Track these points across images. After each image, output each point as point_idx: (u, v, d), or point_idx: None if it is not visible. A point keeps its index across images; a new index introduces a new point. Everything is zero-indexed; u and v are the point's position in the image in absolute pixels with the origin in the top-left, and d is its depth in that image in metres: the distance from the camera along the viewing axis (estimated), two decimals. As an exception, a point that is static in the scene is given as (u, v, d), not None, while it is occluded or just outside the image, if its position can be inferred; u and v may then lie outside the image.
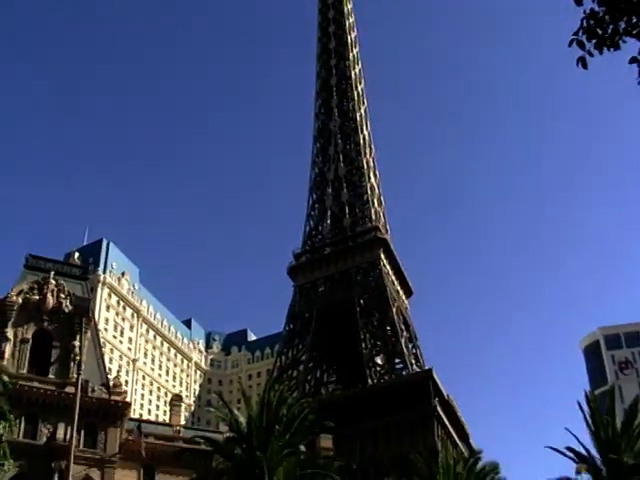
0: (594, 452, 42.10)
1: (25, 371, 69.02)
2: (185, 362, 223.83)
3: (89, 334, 74.28)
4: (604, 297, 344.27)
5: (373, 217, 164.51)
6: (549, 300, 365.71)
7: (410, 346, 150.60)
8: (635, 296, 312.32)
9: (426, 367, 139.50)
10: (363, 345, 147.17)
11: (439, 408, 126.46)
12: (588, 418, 40.94)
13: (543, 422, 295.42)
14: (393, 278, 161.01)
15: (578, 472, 41.71)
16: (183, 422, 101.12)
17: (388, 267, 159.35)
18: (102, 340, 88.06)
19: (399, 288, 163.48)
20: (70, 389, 65.58)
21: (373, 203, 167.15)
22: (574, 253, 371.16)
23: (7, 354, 67.82)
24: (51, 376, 69.76)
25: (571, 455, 41.65)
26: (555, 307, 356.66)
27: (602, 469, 41.59)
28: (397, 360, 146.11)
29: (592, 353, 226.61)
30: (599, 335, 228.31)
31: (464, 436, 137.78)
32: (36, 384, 68.33)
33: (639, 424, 42.96)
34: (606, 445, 40.20)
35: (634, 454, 39.15)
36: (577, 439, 42.00)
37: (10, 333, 70.00)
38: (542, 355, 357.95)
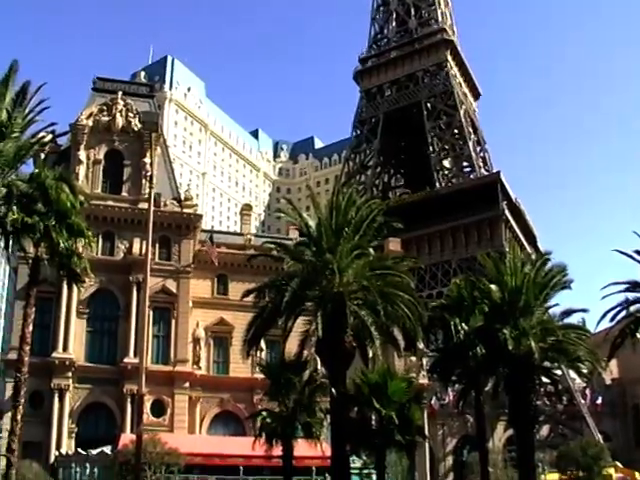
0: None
1: (99, 191, 71.23)
2: (254, 172, 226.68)
3: (159, 150, 75.54)
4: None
5: (439, 18, 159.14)
6: (624, 97, 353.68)
7: (478, 149, 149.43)
8: None
9: (494, 170, 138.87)
10: (430, 149, 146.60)
11: (507, 211, 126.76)
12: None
13: (613, 228, 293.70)
14: (460, 80, 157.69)
15: (646, 276, 41.78)
16: (254, 231, 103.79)
17: (455, 69, 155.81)
18: (172, 156, 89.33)
19: (467, 90, 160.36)
20: (143, 205, 67.73)
21: (439, 3, 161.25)
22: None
23: (81, 176, 69.79)
24: (124, 194, 71.89)
25: (639, 259, 41.68)
26: (632, 105, 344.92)
27: (672, 274, 41.58)
28: (465, 164, 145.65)
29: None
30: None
31: (532, 240, 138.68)
32: (110, 203, 70.66)
33: None
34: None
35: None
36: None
37: (83, 155, 71.71)
38: (616, 160, 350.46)
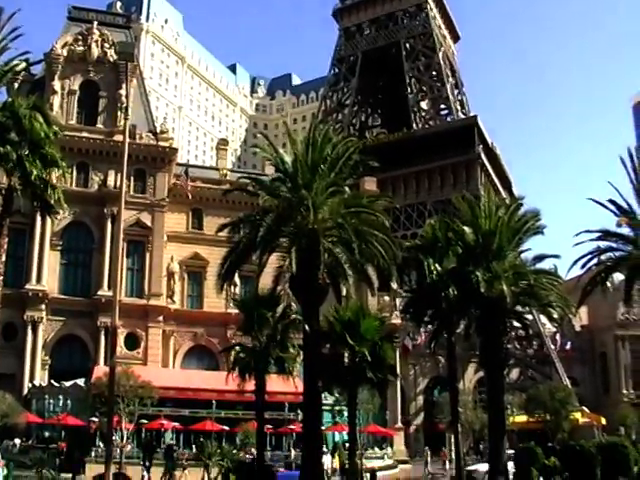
0: (636, 207, 42.32)
1: (74, 122, 70.48)
2: (230, 107, 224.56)
3: (135, 82, 74.63)
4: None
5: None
6: (601, 54, 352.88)
7: (456, 92, 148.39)
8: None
9: (472, 114, 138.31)
10: (408, 90, 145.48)
11: (483, 155, 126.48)
12: (631, 173, 40.64)
13: (586, 178, 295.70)
14: (440, 22, 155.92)
15: (619, 225, 42.00)
16: (230, 166, 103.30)
17: (435, 11, 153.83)
18: (148, 89, 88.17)
19: (446, 33, 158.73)
20: (118, 137, 67.10)
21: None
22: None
23: (55, 106, 68.89)
24: (99, 126, 71.18)
25: (612, 208, 41.89)
26: (607, 62, 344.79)
27: (643, 224, 41.85)
28: (442, 106, 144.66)
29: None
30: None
31: (507, 185, 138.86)
32: (85, 134, 69.98)
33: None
34: (648, 201, 40.21)
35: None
36: (619, 193, 42.02)
37: (57, 85, 70.70)
38: (590, 111, 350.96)
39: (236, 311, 45.76)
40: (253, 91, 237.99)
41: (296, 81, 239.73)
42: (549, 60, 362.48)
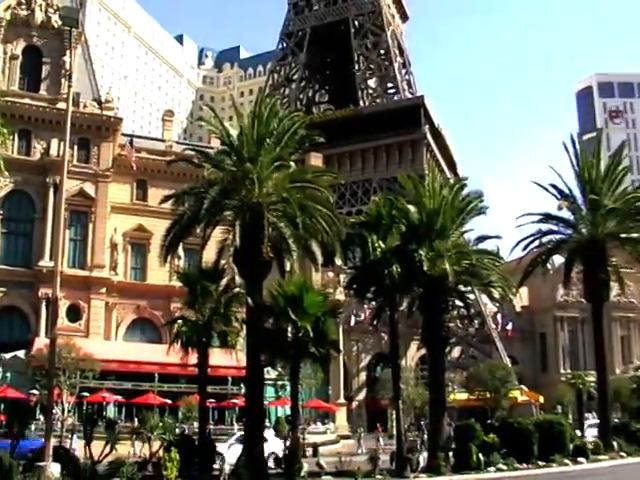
0: (577, 192, 43.14)
1: (16, 88, 68.99)
2: (177, 79, 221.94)
3: (79, 49, 73.34)
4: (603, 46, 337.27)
5: None
6: (550, 42, 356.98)
7: (403, 72, 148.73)
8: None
9: (418, 94, 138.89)
10: (356, 67, 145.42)
11: (429, 135, 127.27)
12: (573, 159, 41.48)
13: (530, 163, 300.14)
14: (389, 1, 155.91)
15: (560, 208, 42.98)
16: (175, 138, 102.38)
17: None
18: (93, 57, 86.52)
19: (395, 12, 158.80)
20: (62, 105, 65.95)
21: None
22: None
23: (-3, 71, 67.36)
24: (42, 92, 69.86)
25: (554, 192, 42.71)
26: (556, 50, 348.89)
27: (582, 209, 42.80)
28: (390, 85, 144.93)
29: (584, 98, 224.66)
30: (593, 81, 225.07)
31: (452, 166, 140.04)
32: (27, 100, 68.61)
33: (622, 170, 43.67)
34: (589, 186, 41.12)
35: (614, 198, 40.14)
36: (561, 178, 42.91)
37: (-1, 49, 69.09)
38: (537, 96, 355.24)
39: (180, 284, 45.45)
40: (200, 63, 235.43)
41: (244, 54, 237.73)
42: (497, 46, 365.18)
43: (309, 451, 48.29)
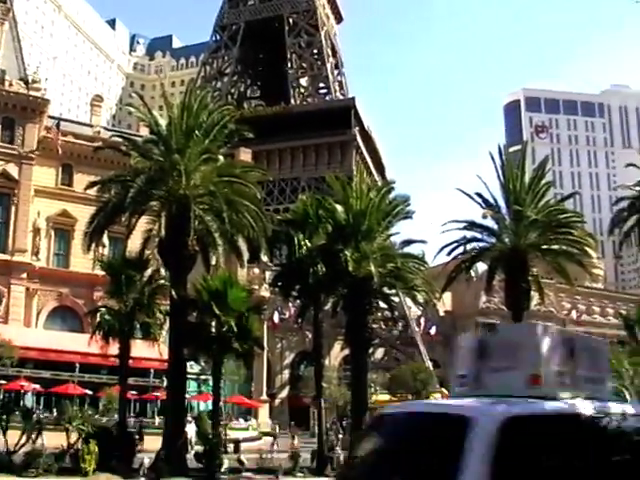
0: (501, 202, 44.20)
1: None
2: (107, 64, 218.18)
3: (6, 25, 71.62)
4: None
5: None
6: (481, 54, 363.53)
7: (336, 73, 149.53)
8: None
9: (350, 96, 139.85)
10: (289, 65, 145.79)
11: (359, 137, 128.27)
12: (499, 170, 42.41)
13: (457, 172, 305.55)
14: (324, 1, 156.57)
15: (484, 216, 43.84)
16: (104, 124, 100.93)
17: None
18: (21, 34, 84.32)
19: (329, 12, 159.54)
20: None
21: None
22: None
23: None
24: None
25: (479, 201, 43.62)
26: (486, 58, 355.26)
27: (506, 219, 43.85)
28: (321, 85, 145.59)
29: (512, 111, 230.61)
30: (521, 95, 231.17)
31: (380, 169, 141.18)
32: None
33: (545, 183, 44.90)
34: (513, 197, 42.14)
35: (537, 210, 41.16)
36: (487, 187, 43.86)
37: None
38: (461, 109, 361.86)
39: (103, 273, 44.89)
40: (132, 49, 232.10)
41: (177, 44, 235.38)
42: (431, 54, 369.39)
43: (230, 447, 48.28)
